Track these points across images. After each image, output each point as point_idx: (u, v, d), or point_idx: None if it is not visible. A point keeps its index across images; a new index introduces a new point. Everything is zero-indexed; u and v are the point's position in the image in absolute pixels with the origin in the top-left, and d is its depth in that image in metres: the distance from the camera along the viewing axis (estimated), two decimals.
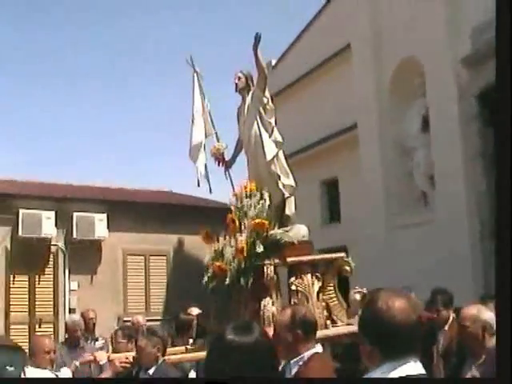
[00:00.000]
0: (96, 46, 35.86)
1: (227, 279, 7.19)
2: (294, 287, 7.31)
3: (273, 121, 7.75)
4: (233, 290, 7.28)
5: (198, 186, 8.50)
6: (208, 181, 8.48)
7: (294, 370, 4.24)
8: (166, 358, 6.19)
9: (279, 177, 7.66)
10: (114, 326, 11.30)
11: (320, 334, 6.32)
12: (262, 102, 7.68)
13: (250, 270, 7.12)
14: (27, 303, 15.86)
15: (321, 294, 7.44)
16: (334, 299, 7.57)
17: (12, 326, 15.18)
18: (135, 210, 16.74)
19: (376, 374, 2.44)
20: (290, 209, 7.83)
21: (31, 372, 6.24)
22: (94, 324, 9.81)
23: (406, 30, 14.01)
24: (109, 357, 6.53)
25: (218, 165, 8.11)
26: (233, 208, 7.61)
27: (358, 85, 15.48)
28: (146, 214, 16.78)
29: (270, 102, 7.74)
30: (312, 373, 4.09)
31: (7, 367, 7.37)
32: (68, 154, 36.75)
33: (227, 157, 8.19)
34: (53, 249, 16.41)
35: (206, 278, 7.53)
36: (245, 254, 7.13)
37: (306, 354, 4.28)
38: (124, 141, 39.05)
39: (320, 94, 16.77)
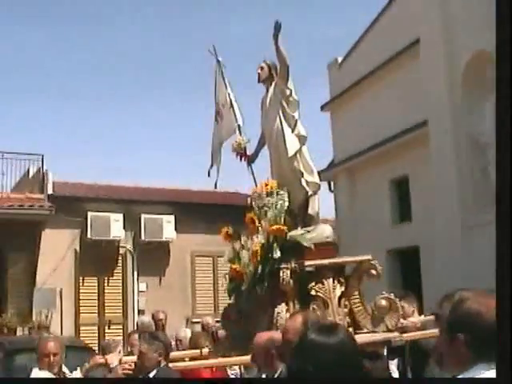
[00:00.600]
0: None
1: (243, 283, 7.05)
2: (313, 292, 6.97)
3: (296, 114, 7.35)
4: (250, 294, 7.05)
5: (209, 175, 8.26)
6: (217, 174, 8.27)
7: None
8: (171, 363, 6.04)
9: (302, 174, 7.31)
10: (184, 328, 11.32)
11: None
12: (284, 93, 7.30)
13: (266, 275, 6.90)
14: (96, 305, 16.14)
15: (343, 300, 7.11)
16: (359, 305, 7.22)
17: (82, 327, 15.47)
18: (202, 212, 16.79)
19: (469, 374, 2.38)
20: (313, 208, 7.43)
21: (34, 373, 6.21)
22: (164, 325, 9.84)
23: (477, 21, 13.60)
24: (121, 360, 6.29)
25: (240, 160, 7.80)
26: (253, 206, 7.33)
27: (428, 80, 15.09)
28: (213, 215, 16.80)
29: (294, 94, 7.33)
30: None
31: (77, 367, 7.39)
32: (134, 157, 37.31)
33: (250, 151, 7.87)
34: (121, 251, 16.65)
35: (224, 280, 7.45)
36: (258, 258, 6.93)
37: None
38: (191, 143, 39.36)
39: (388, 91, 16.45)
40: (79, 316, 15.85)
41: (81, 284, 16.03)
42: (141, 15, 37.07)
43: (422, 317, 7.43)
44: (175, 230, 16.60)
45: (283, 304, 6.80)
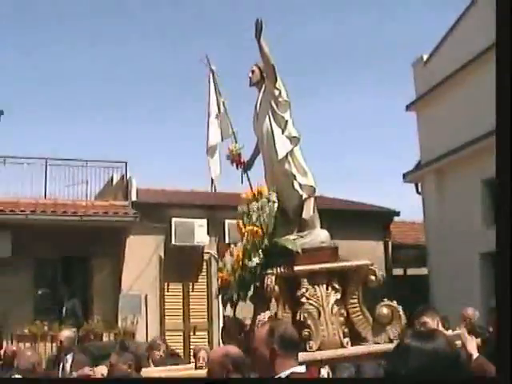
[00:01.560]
0: None
1: (229, 291, 6.93)
2: (304, 299, 6.65)
3: (287, 115, 7.15)
4: (238, 302, 6.91)
5: (214, 190, 8.03)
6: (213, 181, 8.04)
7: None
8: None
9: (294, 176, 7.07)
10: None
11: (332, 353, 5.90)
12: (273, 94, 7.14)
13: (250, 281, 6.74)
14: (181, 310, 16.30)
15: (338, 307, 6.74)
16: (359, 313, 6.85)
17: (167, 333, 15.63)
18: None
19: None
20: (307, 212, 7.14)
21: None
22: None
23: None
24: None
25: (237, 167, 7.63)
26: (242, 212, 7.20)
27: None
28: None
29: (284, 94, 7.14)
30: None
31: None
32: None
33: (246, 158, 7.67)
34: (206, 256, 16.75)
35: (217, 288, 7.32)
36: (240, 264, 6.79)
37: (283, 374, 4.00)
38: None
39: (478, 89, 15.94)
40: (164, 322, 16.05)
41: (165, 290, 16.23)
42: None
43: (450, 331, 6.85)
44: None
45: (267, 312, 6.56)
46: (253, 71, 7.40)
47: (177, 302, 16.25)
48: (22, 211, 15.00)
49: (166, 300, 16.10)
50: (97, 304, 15.55)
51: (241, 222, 7.13)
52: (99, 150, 31.58)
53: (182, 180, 39.00)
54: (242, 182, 7.63)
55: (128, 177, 16.81)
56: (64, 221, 15.19)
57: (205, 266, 16.71)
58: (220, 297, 7.29)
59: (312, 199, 7.15)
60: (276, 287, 6.48)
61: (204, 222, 16.30)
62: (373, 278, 6.81)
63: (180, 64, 38.59)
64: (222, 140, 7.69)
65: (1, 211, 14.84)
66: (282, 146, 7.04)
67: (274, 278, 6.50)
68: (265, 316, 6.37)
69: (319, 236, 7.06)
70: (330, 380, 3.99)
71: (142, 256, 15.99)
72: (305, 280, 6.69)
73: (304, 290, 6.65)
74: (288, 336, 4.14)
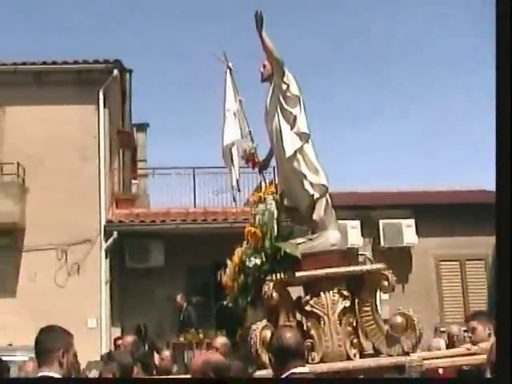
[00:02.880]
0: None
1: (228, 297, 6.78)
2: (308, 307, 6.30)
3: (296, 110, 6.79)
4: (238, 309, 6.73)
5: (234, 200, 7.67)
6: (238, 189, 8.02)
7: None
8: None
9: (304, 175, 6.67)
10: (436, 338, 10.86)
11: (334, 366, 5.50)
12: (280, 89, 6.85)
13: (249, 288, 6.50)
14: None
15: (346, 316, 6.32)
16: (372, 323, 6.38)
17: None
18: (443, 213, 16.07)
19: None
20: (318, 213, 6.71)
21: None
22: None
23: None
24: None
25: (252, 167, 7.45)
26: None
27: None
28: (456, 215, 16.02)
29: (293, 89, 6.82)
30: None
31: None
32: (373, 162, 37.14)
33: (261, 158, 7.43)
34: (360, 258, 16.42)
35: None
36: (237, 269, 6.61)
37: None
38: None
39: None
40: None
41: None
42: None
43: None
44: (416, 233, 16.07)
45: (264, 321, 6.28)
46: (264, 66, 7.16)
47: None
48: (172, 221, 15.50)
49: None
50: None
51: (249, 225, 6.94)
52: None
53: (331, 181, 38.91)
54: (265, 182, 7.43)
55: (277, 181, 16.83)
56: (215, 228, 15.49)
57: None
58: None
59: (324, 199, 6.78)
60: (275, 294, 6.23)
61: (357, 223, 16.04)
62: (386, 283, 6.41)
63: None
64: (242, 138, 7.56)
65: (152, 221, 15.42)
66: (290, 143, 6.76)
67: (272, 284, 6.26)
68: (258, 326, 6.16)
69: (330, 238, 6.69)
70: (329, 380, 3.71)
71: None
72: (309, 286, 6.43)
73: (308, 297, 6.40)
74: (284, 346, 4.09)
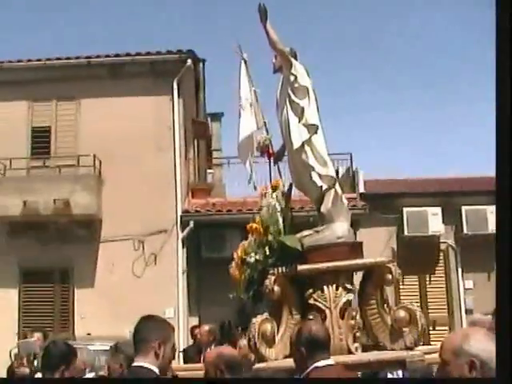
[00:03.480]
0: None
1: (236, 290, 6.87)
2: (312, 301, 6.31)
3: (304, 102, 6.81)
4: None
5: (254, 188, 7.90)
6: (251, 170, 7.87)
7: None
8: None
9: (312, 167, 6.70)
10: None
11: (337, 359, 5.30)
12: (288, 80, 6.90)
13: (253, 281, 6.65)
14: (419, 304, 15.73)
15: (349, 310, 6.28)
16: (376, 316, 6.32)
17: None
18: None
19: None
20: (325, 205, 6.71)
21: None
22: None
23: None
24: None
25: (268, 158, 7.49)
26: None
27: None
28: None
29: (301, 80, 6.85)
30: None
31: None
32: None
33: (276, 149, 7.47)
34: (442, 246, 16.08)
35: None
36: (239, 262, 6.74)
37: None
38: None
39: None
40: None
41: (401, 283, 15.81)
42: None
43: None
44: None
45: (265, 314, 6.41)
46: (276, 57, 7.20)
47: (413, 295, 15.72)
48: (249, 210, 15.46)
49: (402, 294, 15.64)
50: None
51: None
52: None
53: (409, 168, 38.13)
54: (280, 174, 7.47)
55: (354, 168, 16.63)
56: (292, 217, 15.38)
57: (442, 257, 16.01)
58: None
59: (332, 191, 6.80)
60: (276, 288, 6.29)
61: (438, 210, 15.61)
62: (389, 276, 6.33)
63: None
64: (258, 129, 7.57)
65: (229, 211, 15.49)
66: (298, 135, 6.80)
67: (273, 278, 6.32)
68: (258, 319, 6.26)
69: (336, 231, 6.67)
70: (329, 379, 3.92)
71: (373, 249, 15.68)
72: (313, 280, 6.42)
73: (311, 290, 6.40)
74: (313, 337, 4.32)
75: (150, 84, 15.86)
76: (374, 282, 6.47)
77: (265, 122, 7.59)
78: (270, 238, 6.66)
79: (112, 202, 15.09)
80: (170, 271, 15.05)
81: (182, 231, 15.33)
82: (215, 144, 19.77)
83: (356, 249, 6.74)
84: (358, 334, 6.31)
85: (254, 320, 6.31)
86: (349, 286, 6.38)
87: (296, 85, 6.87)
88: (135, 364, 3.82)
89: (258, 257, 6.61)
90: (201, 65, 17.29)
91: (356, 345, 6.21)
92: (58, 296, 15.37)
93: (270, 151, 7.46)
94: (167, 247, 15.31)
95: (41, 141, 15.94)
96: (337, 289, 6.34)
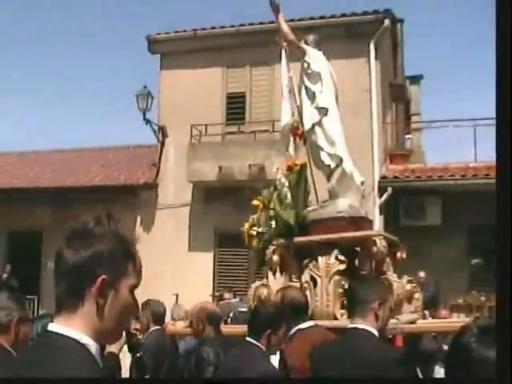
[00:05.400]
0: None
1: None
2: (308, 270, 7.03)
3: (317, 86, 7.51)
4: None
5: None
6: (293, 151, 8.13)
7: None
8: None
9: (321, 147, 7.42)
10: None
11: (320, 323, 5.89)
12: (303, 67, 7.64)
13: (260, 252, 7.33)
14: None
15: (339, 279, 6.74)
16: None
17: None
18: None
19: None
20: (331, 182, 7.43)
21: None
22: None
23: None
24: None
25: (300, 139, 7.84)
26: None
27: None
28: None
29: (313, 66, 7.53)
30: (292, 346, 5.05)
31: None
32: None
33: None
34: None
35: None
36: (247, 236, 7.46)
37: (292, 332, 5.09)
38: None
39: None
40: None
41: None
42: None
43: None
44: None
45: (264, 280, 7.41)
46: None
47: None
48: (451, 176, 14.94)
49: None
50: None
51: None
52: None
53: None
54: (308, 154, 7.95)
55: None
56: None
57: None
58: None
59: (339, 169, 7.40)
60: (275, 257, 7.10)
61: None
62: (374, 249, 6.75)
63: None
64: (293, 116, 7.95)
65: (429, 177, 15.06)
66: (309, 118, 7.50)
67: (273, 249, 7.12)
68: (256, 284, 7.23)
69: (338, 206, 7.30)
70: (329, 379, 3.77)
71: None
72: (309, 251, 7.11)
73: (307, 260, 7.14)
74: (296, 302, 5.14)
75: (346, 47, 15.71)
76: (364, 254, 7.01)
77: (297, 106, 7.89)
78: (272, 212, 7.36)
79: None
80: None
81: (380, 197, 15.13)
82: (414, 108, 19.26)
83: (357, 223, 7.27)
84: (346, 302, 6.69)
85: (252, 285, 7.34)
86: (342, 258, 6.84)
87: (309, 71, 7.58)
88: (352, 325, 3.71)
89: (260, 229, 7.35)
90: (399, 25, 16.90)
91: (342, 311, 6.63)
92: (252, 261, 15.74)
93: (299, 132, 7.85)
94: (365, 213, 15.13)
95: (235, 107, 16.43)
96: (329, 259, 6.86)
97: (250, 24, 16.43)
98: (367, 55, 15.62)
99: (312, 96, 7.51)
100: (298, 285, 6.93)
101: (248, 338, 4.36)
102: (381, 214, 15.09)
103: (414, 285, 7.15)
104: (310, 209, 7.41)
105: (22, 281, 16.21)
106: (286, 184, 7.44)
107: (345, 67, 15.61)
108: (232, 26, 16.45)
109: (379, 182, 15.24)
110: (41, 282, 17.03)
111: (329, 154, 7.41)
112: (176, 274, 15.77)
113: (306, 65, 7.57)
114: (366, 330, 3.60)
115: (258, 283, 7.22)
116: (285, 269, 7.26)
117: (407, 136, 17.74)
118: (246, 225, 7.56)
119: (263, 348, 4.31)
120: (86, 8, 48.59)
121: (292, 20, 16.23)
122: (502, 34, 2.24)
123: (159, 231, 16.48)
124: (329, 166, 7.41)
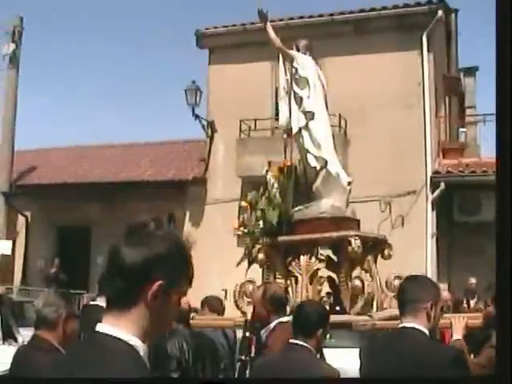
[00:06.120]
0: None
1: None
2: (290, 268, 7.38)
3: (304, 92, 7.81)
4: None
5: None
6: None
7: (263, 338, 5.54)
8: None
9: (307, 150, 7.74)
10: None
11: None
12: (290, 72, 7.93)
13: (248, 251, 7.63)
14: None
15: (318, 276, 7.25)
16: (343, 284, 7.22)
17: None
18: None
19: None
20: (315, 183, 7.74)
21: None
22: None
23: None
24: None
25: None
26: None
27: None
28: None
29: (300, 72, 7.82)
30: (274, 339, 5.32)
31: None
32: None
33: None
34: None
35: None
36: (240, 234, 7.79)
37: (272, 324, 5.37)
38: None
39: None
40: None
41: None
42: None
43: None
44: None
45: (250, 277, 7.58)
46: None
47: None
48: None
49: None
50: None
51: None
52: None
53: None
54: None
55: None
56: None
57: None
58: None
59: (324, 171, 7.72)
60: (261, 255, 7.44)
61: None
62: (349, 248, 7.02)
63: None
64: (290, 116, 8.09)
65: (484, 172, 14.85)
66: (296, 121, 7.80)
67: (258, 247, 7.45)
68: (242, 281, 7.50)
69: (320, 207, 7.64)
70: (329, 379, 4.02)
71: None
72: (292, 249, 7.49)
73: (290, 258, 7.48)
74: (277, 297, 5.43)
75: (398, 39, 15.59)
76: (342, 253, 7.29)
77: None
78: (259, 213, 7.61)
79: (358, 162, 15.03)
80: (417, 234, 14.83)
81: (432, 193, 15.02)
82: (469, 100, 18.88)
83: (338, 223, 7.55)
84: (325, 299, 7.34)
85: (238, 282, 7.57)
86: (322, 257, 7.34)
87: (297, 76, 7.89)
88: (403, 325, 3.65)
89: (246, 230, 7.64)
90: (453, 16, 16.62)
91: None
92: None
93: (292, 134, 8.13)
94: (416, 209, 15.08)
95: None
96: (310, 258, 7.25)
97: (300, 17, 16.38)
98: (420, 47, 15.44)
99: (299, 100, 7.84)
100: (282, 281, 7.26)
101: (296, 341, 4.26)
102: (433, 209, 14.91)
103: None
104: (296, 209, 7.70)
105: (71, 275, 16.46)
106: (276, 185, 7.73)
107: (396, 60, 15.47)
108: (281, 20, 16.38)
109: (431, 177, 15.06)
110: (89, 277, 17.27)
111: (315, 157, 7.75)
112: (224, 270, 15.80)
113: (293, 70, 7.88)
114: (418, 330, 3.53)
115: (244, 280, 7.53)
116: (270, 266, 7.57)
117: (462, 129, 17.43)
118: (236, 225, 7.91)
119: (313, 350, 4.24)
120: (135, 4, 49.03)
121: (342, 13, 16.19)
122: None
123: (208, 226, 16.53)
124: (314, 167, 7.73)
